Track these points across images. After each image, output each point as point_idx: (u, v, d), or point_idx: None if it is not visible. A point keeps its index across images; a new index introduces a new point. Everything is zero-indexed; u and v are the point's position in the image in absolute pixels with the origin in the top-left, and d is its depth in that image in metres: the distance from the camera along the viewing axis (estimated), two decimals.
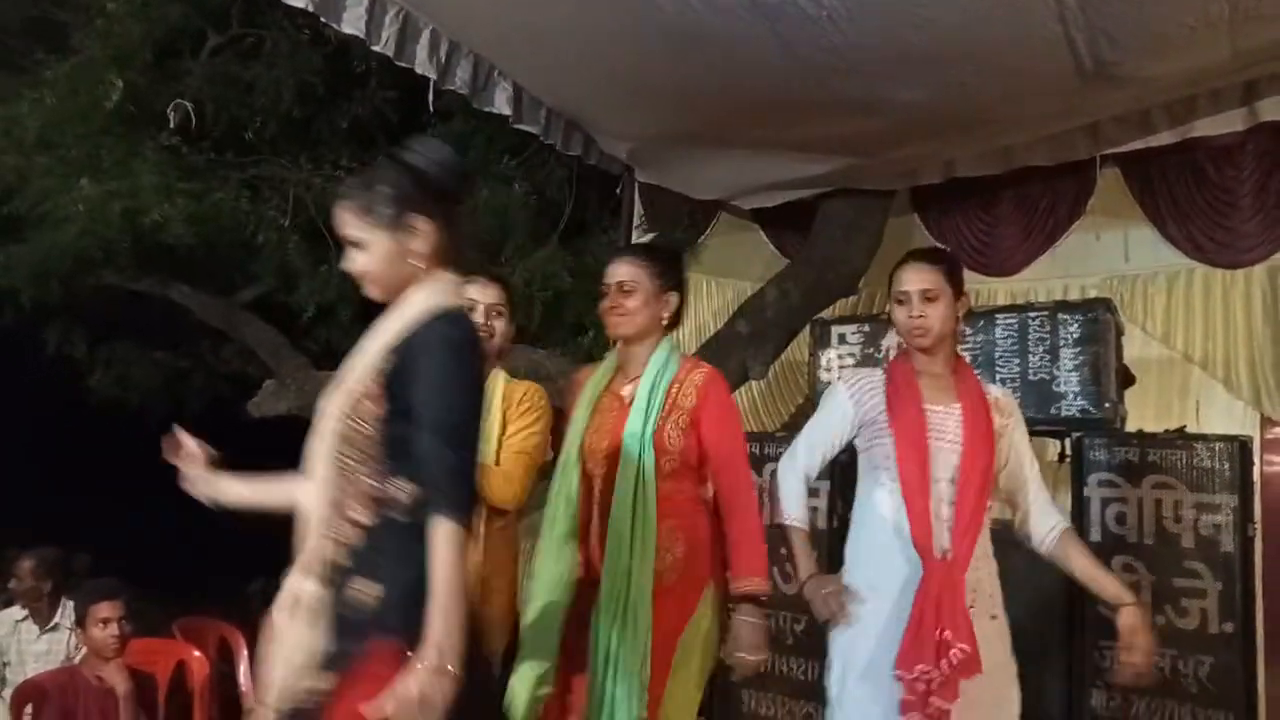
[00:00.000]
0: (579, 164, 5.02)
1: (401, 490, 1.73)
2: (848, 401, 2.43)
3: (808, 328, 4.19)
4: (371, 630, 1.67)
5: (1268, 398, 3.79)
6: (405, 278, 1.87)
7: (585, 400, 2.50)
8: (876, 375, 2.45)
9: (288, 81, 5.09)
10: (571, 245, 5.40)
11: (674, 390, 2.42)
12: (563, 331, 5.26)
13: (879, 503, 2.33)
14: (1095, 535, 3.09)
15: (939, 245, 2.71)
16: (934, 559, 2.21)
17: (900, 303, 2.38)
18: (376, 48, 3.52)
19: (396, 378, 1.77)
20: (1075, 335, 3.42)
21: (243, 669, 3.96)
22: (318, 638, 1.74)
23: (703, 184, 4.78)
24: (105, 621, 3.22)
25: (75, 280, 4.97)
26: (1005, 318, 3.65)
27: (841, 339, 3.95)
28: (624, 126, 4.42)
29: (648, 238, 5.14)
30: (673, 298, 2.46)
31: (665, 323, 2.47)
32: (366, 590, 1.71)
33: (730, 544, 2.35)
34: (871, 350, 3.86)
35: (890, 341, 3.85)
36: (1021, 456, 2.38)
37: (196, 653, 3.59)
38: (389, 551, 1.71)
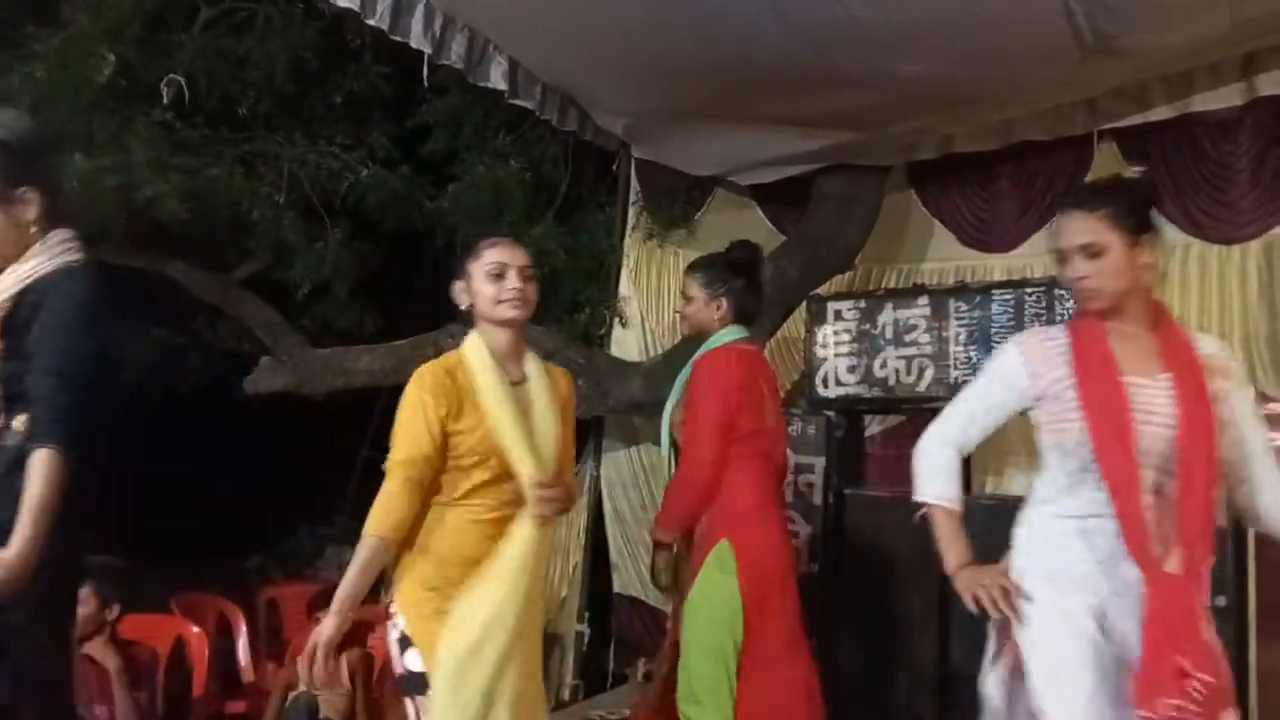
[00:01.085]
0: (575, 140, 4.99)
1: (16, 422, 1.98)
2: (1021, 371, 2.03)
3: (804, 304, 4.19)
4: None
5: (1263, 373, 3.80)
6: (22, 243, 2.07)
7: None
8: (1059, 338, 2.02)
9: (281, 56, 5.04)
10: (568, 222, 5.38)
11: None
12: (559, 308, 5.24)
13: (1073, 494, 1.97)
14: None
15: (1123, 176, 2.21)
16: (1157, 569, 1.84)
17: (1061, 261, 1.98)
18: (371, 21, 3.49)
19: (15, 323, 2.00)
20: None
21: (241, 645, 3.98)
22: None
23: (699, 160, 4.76)
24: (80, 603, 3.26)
25: None
26: (1001, 294, 3.66)
27: (838, 315, 3.96)
28: (619, 102, 4.40)
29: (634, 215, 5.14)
30: (722, 303, 2.89)
31: (719, 322, 2.89)
32: None
33: None
34: (868, 326, 3.87)
35: (887, 318, 3.85)
36: (1245, 422, 1.97)
37: (195, 629, 3.60)
38: (6, 475, 1.95)
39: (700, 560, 2.70)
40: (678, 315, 3.12)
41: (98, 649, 3.24)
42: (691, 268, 3.00)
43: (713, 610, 2.65)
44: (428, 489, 2.11)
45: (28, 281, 2.03)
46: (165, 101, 4.76)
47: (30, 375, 1.96)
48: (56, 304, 2.00)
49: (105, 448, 2.10)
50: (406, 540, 2.11)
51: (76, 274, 2.07)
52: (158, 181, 4.58)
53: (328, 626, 2.06)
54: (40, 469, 1.92)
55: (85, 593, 3.25)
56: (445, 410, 2.10)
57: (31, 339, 1.98)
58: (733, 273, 2.90)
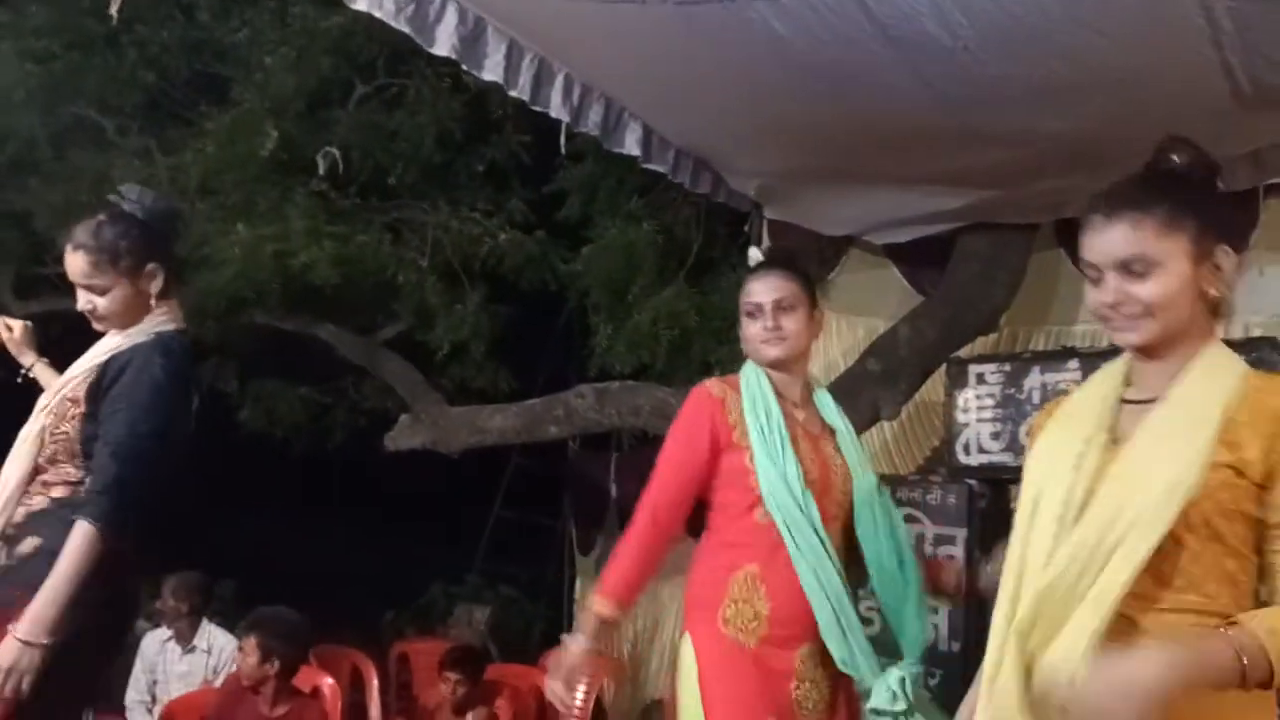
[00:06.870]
0: (707, 201, 5.02)
1: (84, 483, 2.03)
2: None
3: (943, 367, 4.05)
4: (19, 582, 1.95)
5: None
6: (141, 314, 2.17)
7: None
8: None
9: (429, 128, 5.29)
10: (699, 283, 5.40)
11: None
12: (689, 370, 5.24)
13: None
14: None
15: None
16: None
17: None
18: (513, 93, 3.60)
19: (97, 386, 2.06)
20: None
21: (373, 698, 4.05)
22: None
23: (833, 220, 4.70)
24: (243, 652, 3.36)
25: (228, 319, 5.25)
26: None
27: (980, 379, 3.80)
28: (753, 163, 4.40)
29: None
30: None
31: None
32: (31, 545, 2.02)
33: None
34: (1013, 390, 3.70)
35: (1034, 382, 3.68)
36: None
37: (330, 680, 3.68)
38: (60, 525, 1.97)
39: None
40: None
41: (263, 696, 3.29)
42: None
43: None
44: None
45: (120, 348, 2.11)
46: (321, 173, 5.04)
47: (98, 444, 2.01)
48: (131, 375, 2.05)
49: (176, 524, 2.17)
50: None
51: (165, 347, 2.13)
52: (313, 248, 4.85)
53: None
54: (72, 540, 1.91)
55: (250, 642, 3.34)
56: None
57: (104, 407, 2.03)
58: None
